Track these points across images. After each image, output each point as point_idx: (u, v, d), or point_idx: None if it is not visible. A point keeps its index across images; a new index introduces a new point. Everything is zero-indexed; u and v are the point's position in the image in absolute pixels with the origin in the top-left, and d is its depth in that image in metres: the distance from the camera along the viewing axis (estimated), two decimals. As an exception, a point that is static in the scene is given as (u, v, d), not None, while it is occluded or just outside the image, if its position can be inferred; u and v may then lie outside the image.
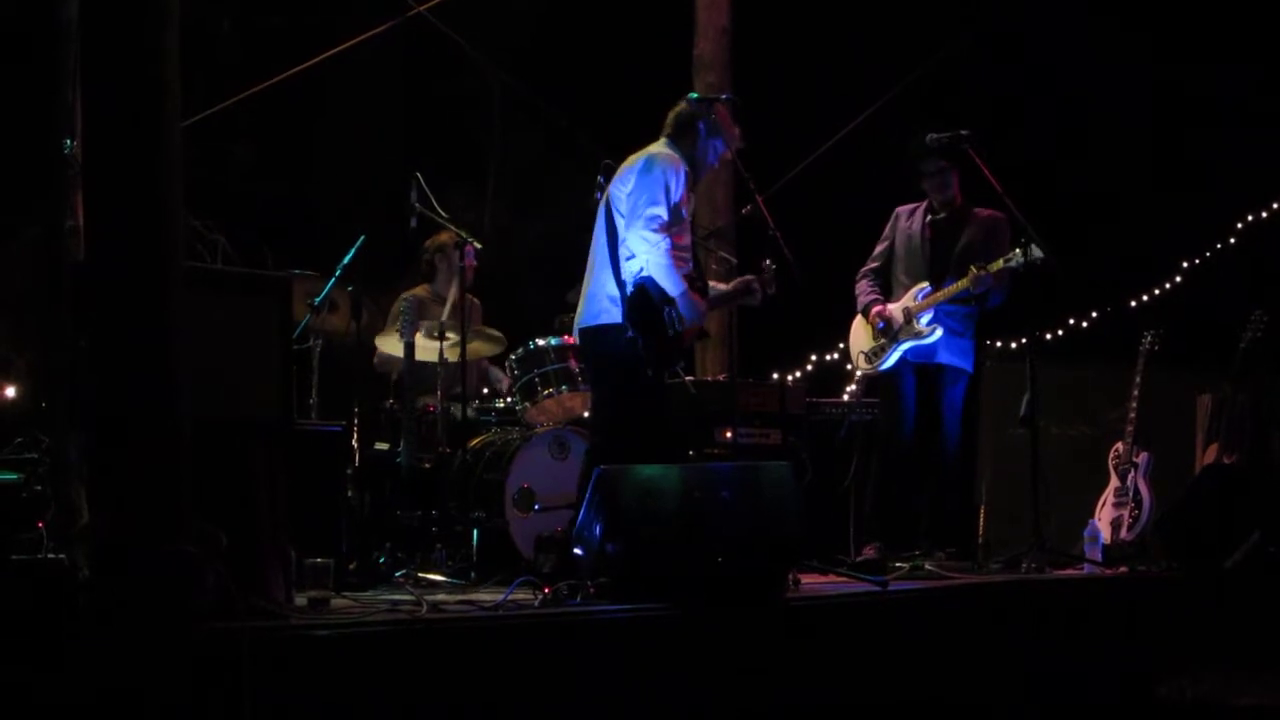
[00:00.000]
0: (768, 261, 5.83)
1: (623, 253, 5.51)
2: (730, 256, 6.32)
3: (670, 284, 5.46)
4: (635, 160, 5.63)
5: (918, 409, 6.71)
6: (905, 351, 6.64)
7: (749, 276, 5.93)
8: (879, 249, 6.93)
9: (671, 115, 5.82)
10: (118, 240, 3.83)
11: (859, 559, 6.26)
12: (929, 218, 6.78)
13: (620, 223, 5.55)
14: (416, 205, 6.37)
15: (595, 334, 5.61)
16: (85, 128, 4.12)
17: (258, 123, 8.71)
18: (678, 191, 5.53)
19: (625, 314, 5.45)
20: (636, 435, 5.44)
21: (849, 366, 7.25)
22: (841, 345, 7.08)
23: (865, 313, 6.78)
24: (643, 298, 5.45)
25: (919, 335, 6.62)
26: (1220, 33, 8.66)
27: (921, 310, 6.62)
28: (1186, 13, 8.60)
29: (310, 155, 9.57)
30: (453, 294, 6.73)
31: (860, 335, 6.85)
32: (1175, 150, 8.54)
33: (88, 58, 4.07)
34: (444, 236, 7.18)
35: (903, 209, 6.94)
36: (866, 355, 6.74)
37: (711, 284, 5.94)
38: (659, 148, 5.69)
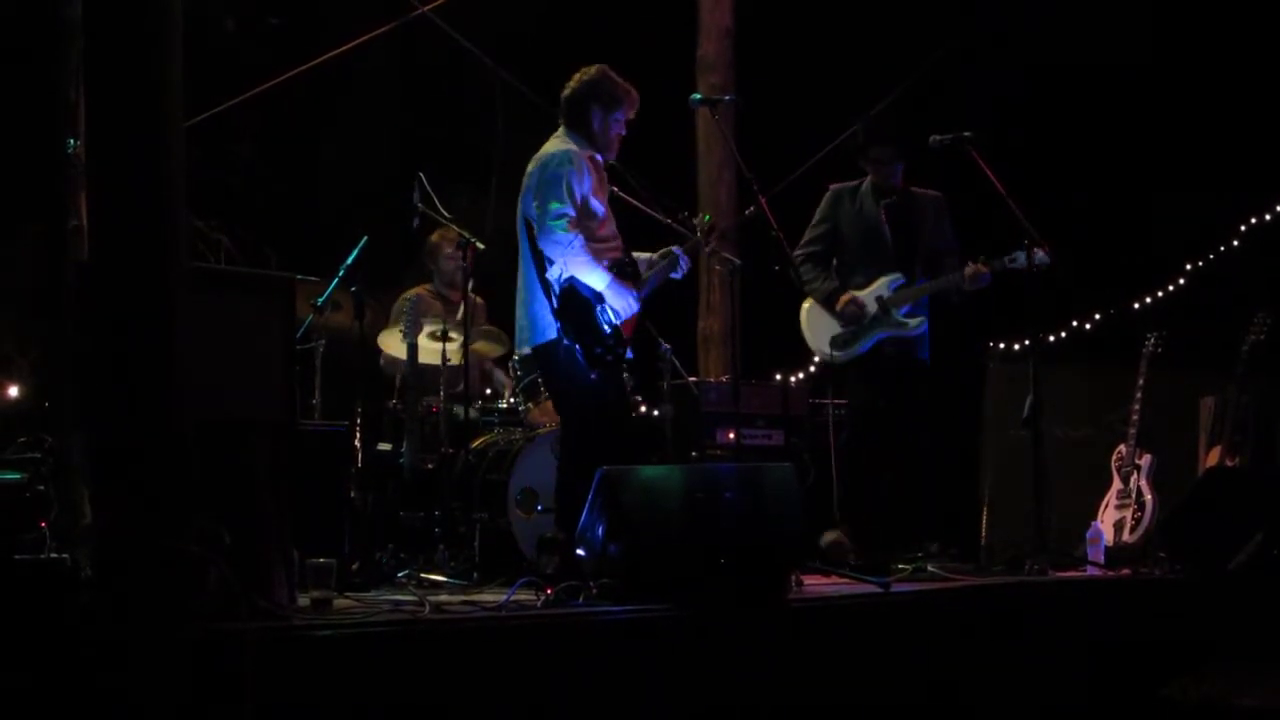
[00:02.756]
0: (695, 220, 5.72)
1: (545, 257, 5.33)
2: (733, 258, 6.28)
3: (595, 278, 5.32)
4: (533, 165, 5.44)
5: (886, 394, 6.61)
6: (882, 340, 6.61)
7: (673, 247, 5.68)
8: (816, 232, 6.77)
9: (563, 100, 5.58)
10: (121, 240, 3.84)
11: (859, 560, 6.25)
12: (882, 202, 6.66)
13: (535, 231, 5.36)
14: (419, 205, 6.37)
15: (543, 353, 5.47)
16: (88, 127, 4.13)
17: (261, 123, 8.70)
18: (583, 184, 5.35)
19: (558, 322, 5.29)
20: (605, 444, 5.26)
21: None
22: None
23: (829, 300, 6.64)
24: (572, 299, 5.29)
25: (900, 326, 6.58)
26: (1220, 34, 8.66)
27: (901, 304, 6.57)
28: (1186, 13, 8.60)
29: (313, 155, 9.55)
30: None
31: (821, 322, 6.72)
32: (1178, 150, 8.52)
33: (91, 57, 4.08)
34: (433, 236, 7.21)
35: (840, 189, 6.78)
36: (834, 341, 6.63)
37: (638, 256, 5.67)
38: (555, 144, 5.47)
